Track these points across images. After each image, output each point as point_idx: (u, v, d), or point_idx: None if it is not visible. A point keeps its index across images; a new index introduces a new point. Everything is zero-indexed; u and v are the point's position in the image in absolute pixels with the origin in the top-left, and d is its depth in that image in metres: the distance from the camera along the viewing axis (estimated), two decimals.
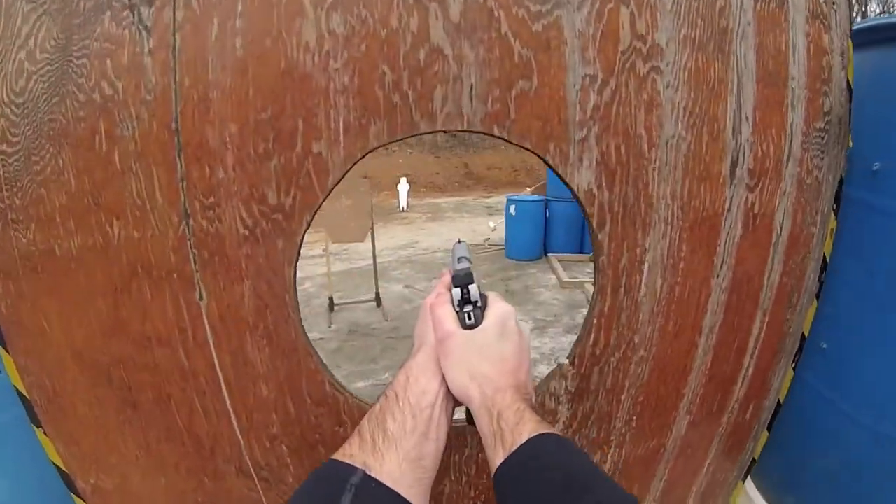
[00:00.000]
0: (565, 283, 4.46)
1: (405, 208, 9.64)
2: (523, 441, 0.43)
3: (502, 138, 0.61)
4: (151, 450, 0.72)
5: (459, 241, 0.72)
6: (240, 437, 0.71)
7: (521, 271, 4.98)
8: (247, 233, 0.62)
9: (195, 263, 0.63)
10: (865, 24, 0.79)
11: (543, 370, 2.79)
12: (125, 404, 0.69)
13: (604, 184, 0.66)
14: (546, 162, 0.64)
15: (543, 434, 0.43)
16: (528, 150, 0.62)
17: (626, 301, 0.72)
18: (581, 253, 5.35)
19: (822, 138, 0.75)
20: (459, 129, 0.60)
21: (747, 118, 0.70)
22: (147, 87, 0.58)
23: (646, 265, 0.71)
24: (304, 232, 0.63)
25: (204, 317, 0.65)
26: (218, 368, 0.67)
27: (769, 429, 0.89)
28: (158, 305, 0.65)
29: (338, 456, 0.46)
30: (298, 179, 0.61)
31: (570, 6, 0.60)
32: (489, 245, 6.02)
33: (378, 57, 0.58)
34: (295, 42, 0.58)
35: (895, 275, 0.73)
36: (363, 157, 0.60)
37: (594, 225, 0.67)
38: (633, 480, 0.84)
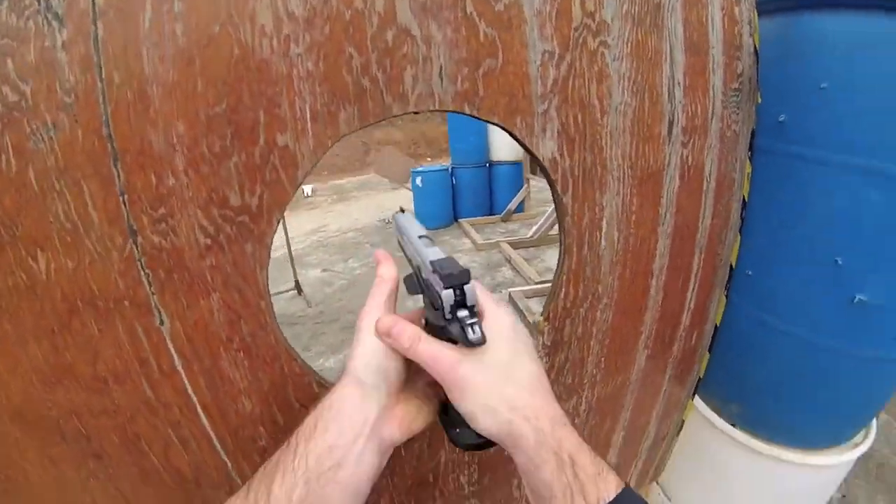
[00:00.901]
0: (480, 245, 4.72)
1: (310, 194, 9.32)
2: (611, 498, 0.37)
3: (473, 115, 0.64)
4: (128, 498, 0.64)
5: (402, 211, 0.62)
6: (226, 459, 0.66)
7: (435, 239, 5.12)
8: (209, 242, 0.56)
9: (150, 286, 0.56)
10: None
11: None
12: (85, 457, 0.60)
13: (565, 152, 0.71)
14: (513, 135, 0.67)
15: (628, 488, 0.38)
16: (496, 124, 0.65)
17: (590, 256, 0.79)
18: (491, 215, 5.63)
19: (737, 97, 0.86)
20: (431, 108, 0.61)
21: (679, 83, 0.78)
22: (64, 87, 0.48)
23: (604, 221, 0.78)
24: (275, 231, 0.59)
25: (168, 342, 0.58)
26: (191, 393, 0.61)
27: (710, 350, 1.04)
28: (110, 340, 0.56)
29: None
30: (264, 176, 0.56)
31: None
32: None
33: (344, 40, 0.55)
34: (249, 27, 0.52)
35: (800, 208, 0.88)
36: (332, 145, 0.60)
37: (559, 189, 0.73)
38: (605, 415, 0.95)
